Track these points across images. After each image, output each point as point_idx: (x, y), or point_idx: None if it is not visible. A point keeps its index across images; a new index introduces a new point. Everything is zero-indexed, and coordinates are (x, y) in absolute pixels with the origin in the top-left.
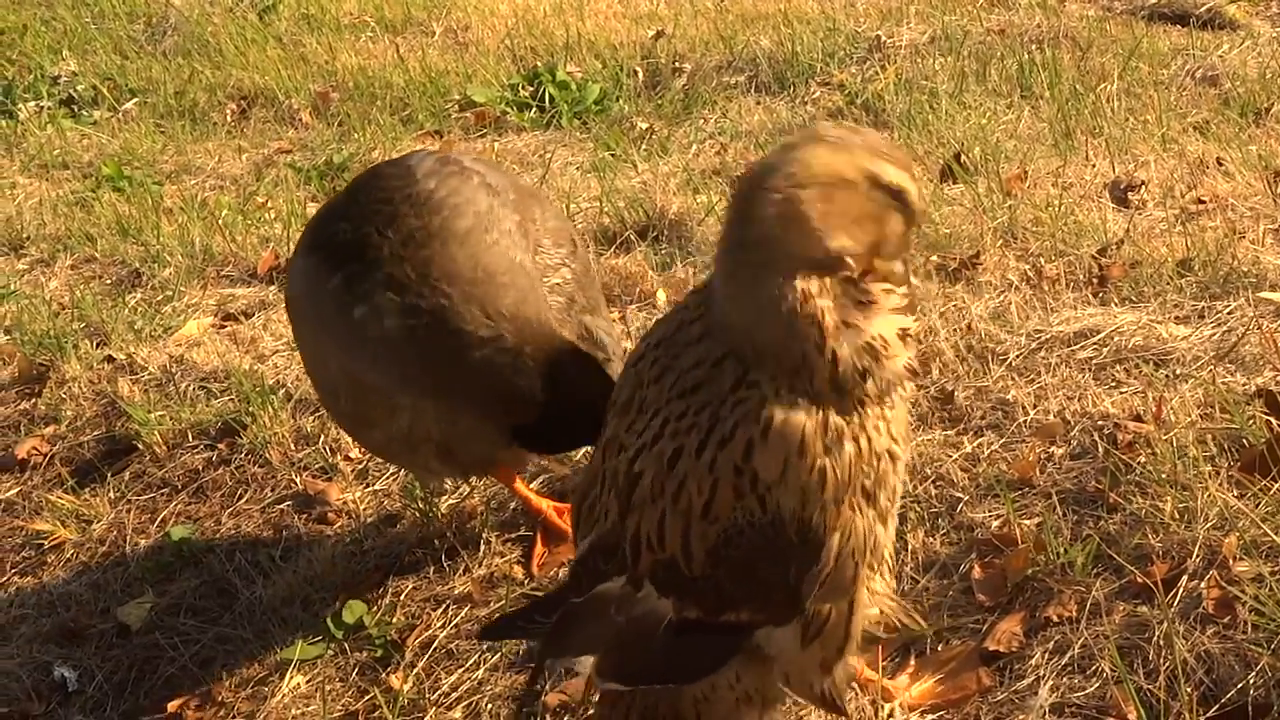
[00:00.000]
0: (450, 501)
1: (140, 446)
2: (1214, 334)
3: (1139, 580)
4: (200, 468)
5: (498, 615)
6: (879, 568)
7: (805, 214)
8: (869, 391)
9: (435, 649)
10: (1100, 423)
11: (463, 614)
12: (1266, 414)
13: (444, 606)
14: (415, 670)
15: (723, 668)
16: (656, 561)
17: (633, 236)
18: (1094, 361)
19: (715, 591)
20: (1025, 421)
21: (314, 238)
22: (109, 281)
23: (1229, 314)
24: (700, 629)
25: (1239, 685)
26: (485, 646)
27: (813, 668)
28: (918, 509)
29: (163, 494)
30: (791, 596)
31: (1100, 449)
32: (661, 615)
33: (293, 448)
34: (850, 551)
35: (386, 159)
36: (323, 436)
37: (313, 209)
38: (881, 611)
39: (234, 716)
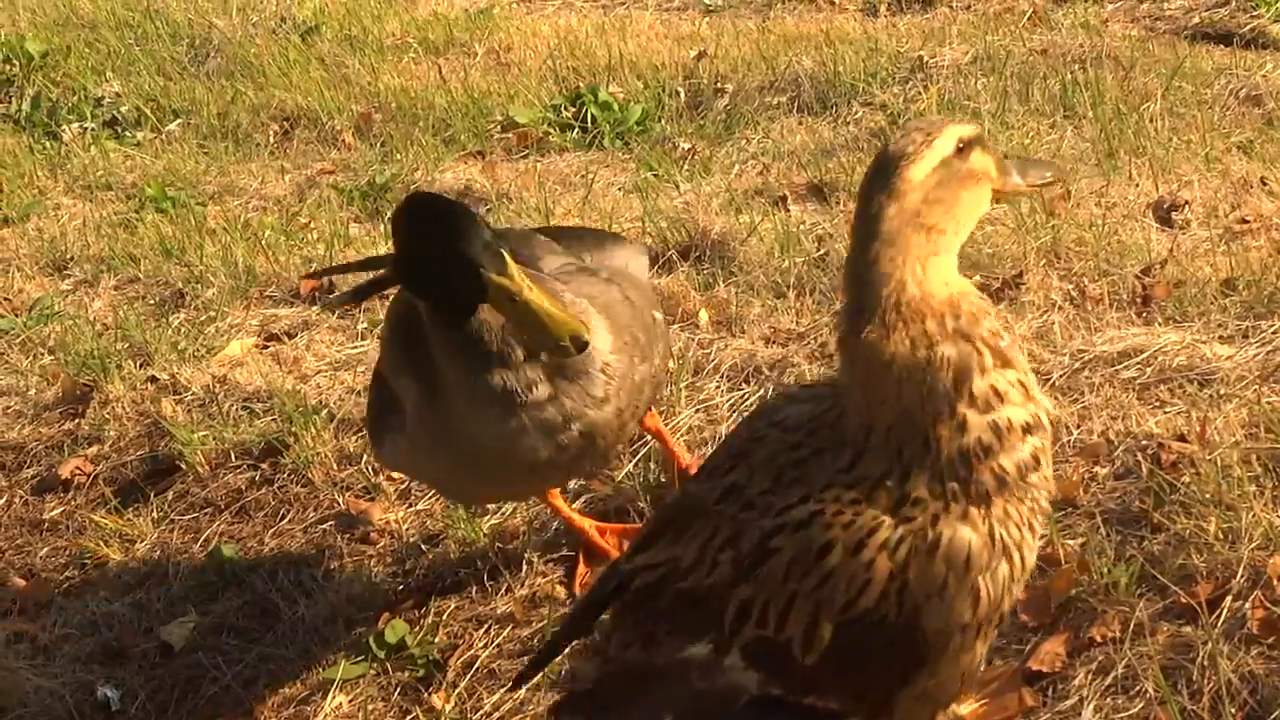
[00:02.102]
0: (492, 522)
1: (183, 466)
2: (1258, 354)
3: (1183, 601)
4: (243, 487)
5: (541, 641)
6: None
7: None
8: (988, 480)
9: (477, 669)
10: (1144, 443)
11: (505, 634)
12: None
13: (486, 626)
14: (458, 690)
15: None
16: (761, 639)
17: (675, 256)
18: (1138, 381)
19: (812, 676)
20: (1069, 441)
21: None
22: (152, 302)
23: (1274, 333)
24: (783, 709)
25: None
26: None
27: None
28: None
29: (206, 514)
30: (887, 697)
31: (1144, 469)
32: (744, 689)
33: (335, 468)
34: (961, 674)
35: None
36: (365, 456)
37: (355, 230)
38: None
39: None
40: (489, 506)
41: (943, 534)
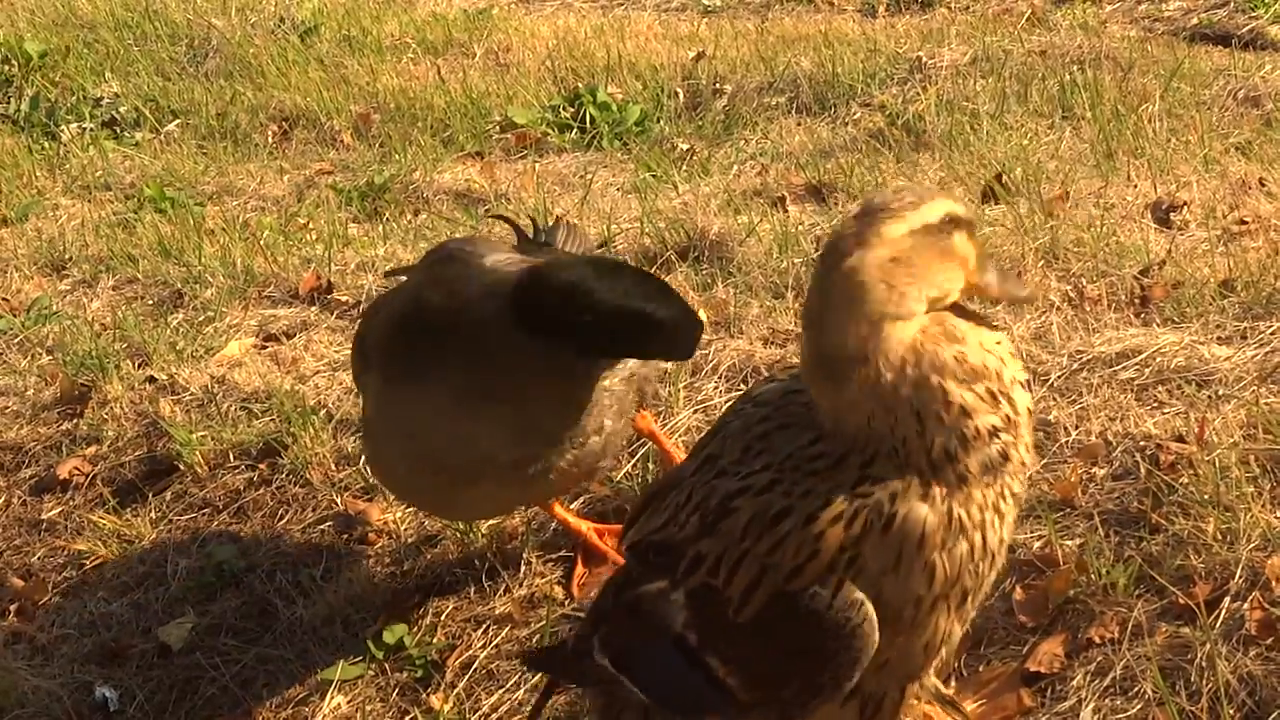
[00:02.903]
0: (491, 522)
1: (182, 467)
2: (1257, 354)
3: (1181, 601)
4: (241, 488)
5: (539, 643)
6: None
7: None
8: (950, 477)
9: (476, 669)
10: (1142, 444)
11: (503, 634)
12: None
13: (484, 627)
14: (456, 691)
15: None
16: (707, 585)
17: (673, 257)
18: (1136, 382)
19: (731, 639)
20: (1067, 442)
21: None
22: (151, 302)
23: (1272, 334)
24: (689, 660)
25: None
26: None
27: None
28: None
29: (204, 514)
30: (786, 700)
31: (1142, 470)
32: (674, 622)
33: (334, 468)
34: (922, 648)
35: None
36: (363, 457)
37: (354, 230)
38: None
39: None
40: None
41: (899, 511)
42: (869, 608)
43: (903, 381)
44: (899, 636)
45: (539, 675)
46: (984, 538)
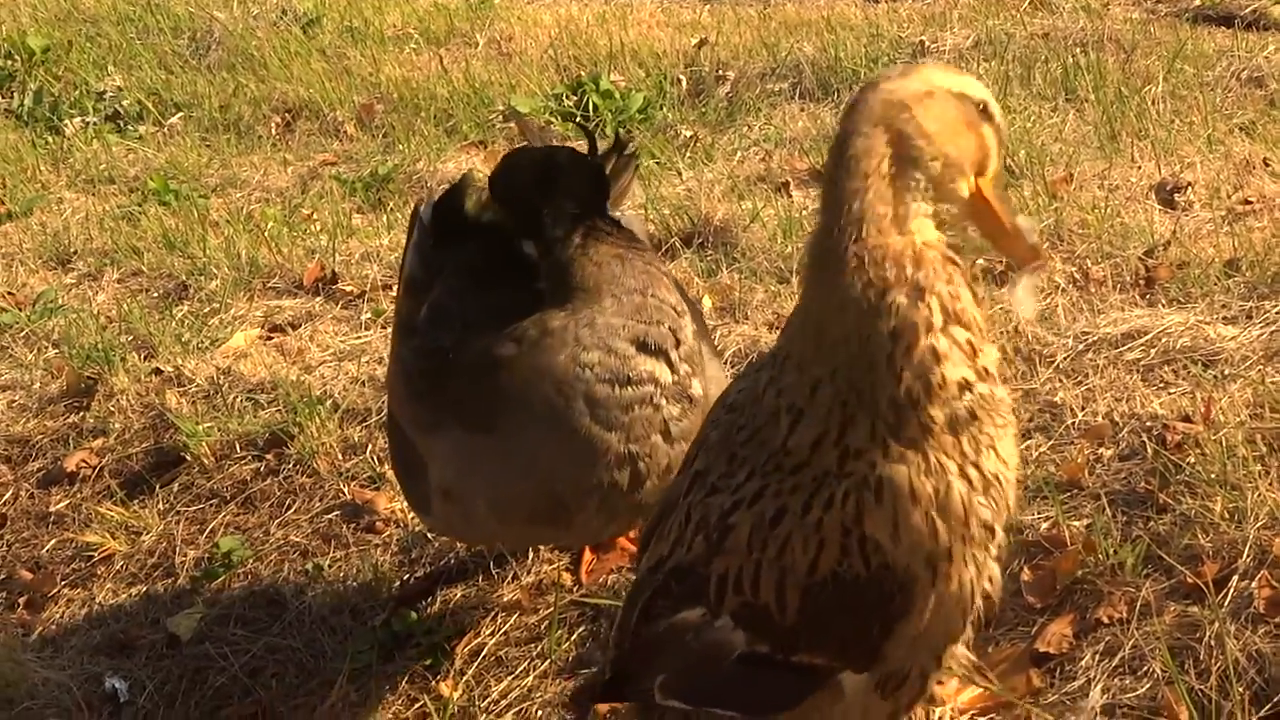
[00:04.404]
0: None
1: (188, 458)
2: (1262, 334)
3: (1189, 581)
4: (248, 478)
5: (548, 629)
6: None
7: (908, 125)
8: (914, 428)
9: (485, 656)
10: (1149, 424)
11: (512, 621)
12: None
13: (493, 614)
14: (465, 678)
15: (796, 707)
16: (744, 603)
17: (678, 244)
18: (1142, 363)
19: (793, 635)
20: (1074, 423)
21: None
22: (156, 294)
23: (1277, 314)
24: (771, 664)
25: None
26: (536, 652)
27: (881, 716)
28: None
29: (211, 505)
30: (872, 649)
31: (1149, 450)
32: (733, 645)
33: (340, 458)
34: (950, 610)
35: None
36: (370, 446)
37: (358, 220)
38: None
39: None
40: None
41: (880, 474)
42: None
43: (898, 280)
44: (923, 600)
45: (548, 661)
46: (982, 473)
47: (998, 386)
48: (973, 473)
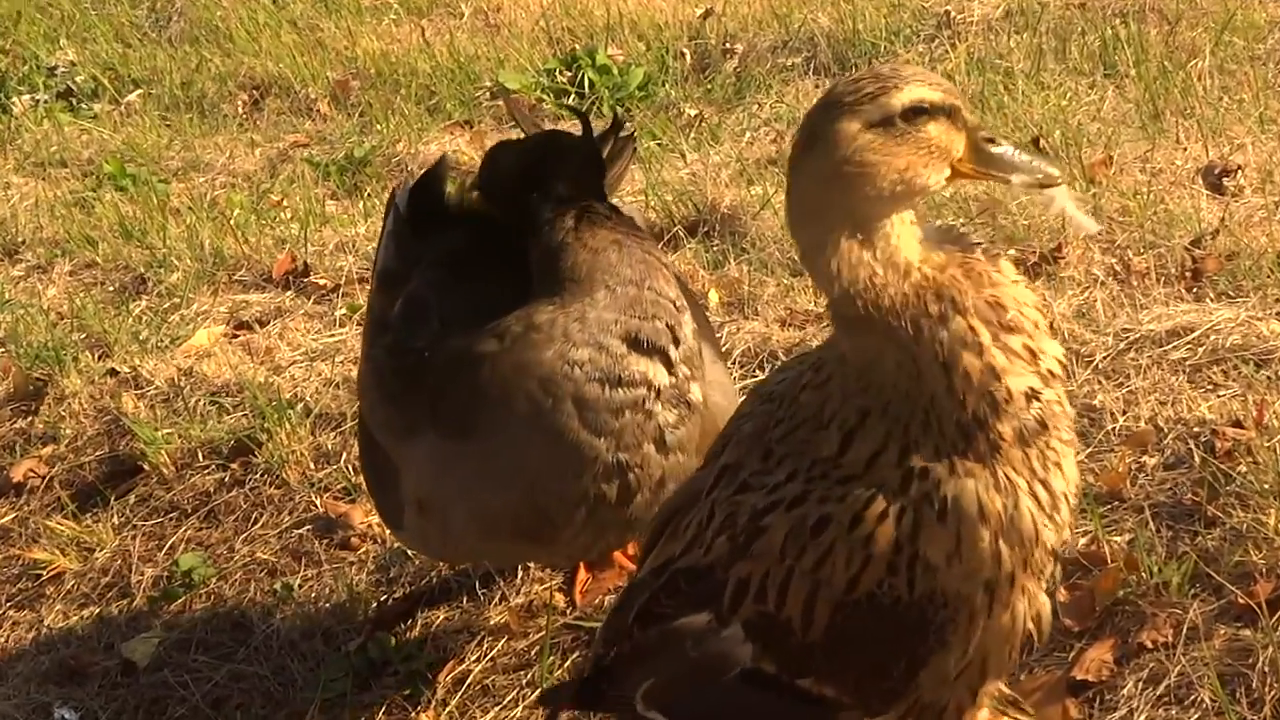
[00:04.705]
0: None
1: (146, 467)
2: None
3: (1241, 601)
4: (211, 490)
5: (540, 655)
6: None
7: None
8: (983, 446)
9: (470, 685)
10: (1196, 429)
11: (499, 646)
12: None
13: (479, 638)
14: (448, 708)
15: None
16: (762, 614)
17: (681, 233)
18: (1188, 363)
19: (808, 656)
20: (1114, 429)
21: None
22: (111, 288)
23: None
24: (773, 687)
25: None
26: (526, 681)
27: None
28: None
29: (171, 519)
30: (888, 691)
31: (1196, 458)
32: (737, 660)
33: (312, 467)
34: (998, 643)
35: None
36: (344, 454)
37: (332, 207)
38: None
39: None
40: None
41: (947, 493)
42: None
43: (923, 320)
44: (970, 631)
45: (538, 690)
46: (1050, 492)
47: (1062, 388)
48: (1041, 491)
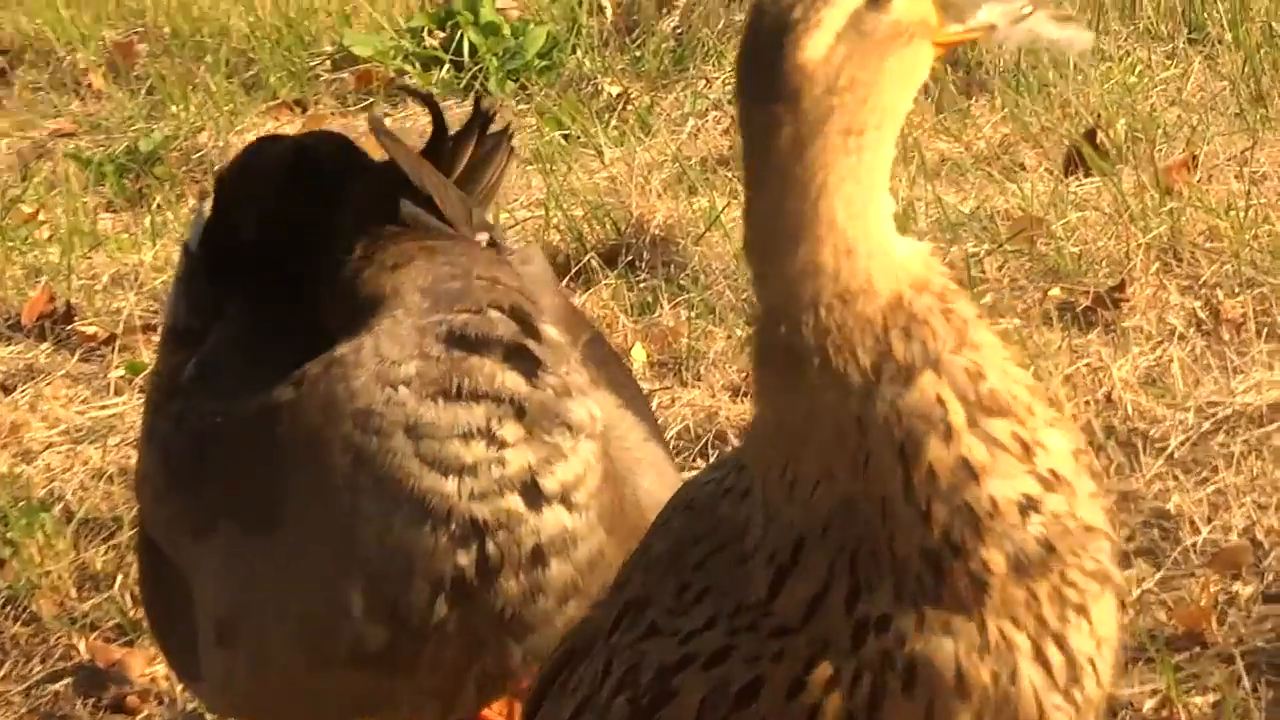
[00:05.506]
0: None
1: None
2: None
3: None
4: None
5: None
6: None
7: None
8: (962, 585)
9: None
10: None
11: None
12: None
13: None
14: None
15: None
16: None
17: (595, 263)
18: None
19: None
20: (1194, 544)
21: None
22: None
23: None
24: None
25: None
26: None
27: None
28: None
29: None
30: None
31: None
32: None
33: (74, 595)
34: None
35: None
36: (120, 576)
37: (108, 222)
38: None
39: None
40: None
41: (914, 650)
42: None
43: (882, 362)
44: None
45: None
46: (1063, 647)
47: (1082, 495)
48: (1052, 652)
